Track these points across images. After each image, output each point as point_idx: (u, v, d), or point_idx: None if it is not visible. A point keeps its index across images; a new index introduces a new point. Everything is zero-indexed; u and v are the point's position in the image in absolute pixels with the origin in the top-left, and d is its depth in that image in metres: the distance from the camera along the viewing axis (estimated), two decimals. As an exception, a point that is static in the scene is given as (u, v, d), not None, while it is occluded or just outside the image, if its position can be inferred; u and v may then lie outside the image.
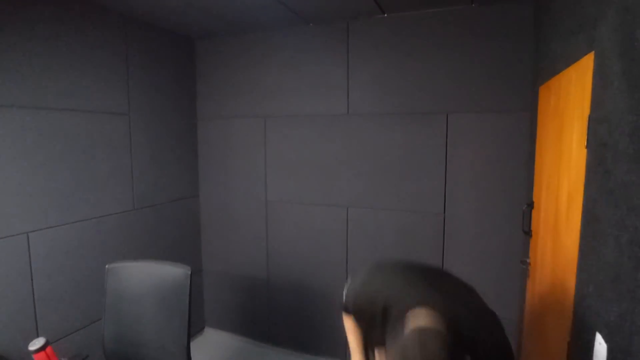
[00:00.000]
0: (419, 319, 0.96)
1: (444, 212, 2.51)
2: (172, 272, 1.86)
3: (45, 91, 2.06)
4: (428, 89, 2.50)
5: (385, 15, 2.55)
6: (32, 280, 2.03)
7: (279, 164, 2.97)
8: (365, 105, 2.67)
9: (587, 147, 1.21)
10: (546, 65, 1.91)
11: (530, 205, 2.10)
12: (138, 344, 1.87)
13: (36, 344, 1.66)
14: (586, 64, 1.27)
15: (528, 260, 2.10)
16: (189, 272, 1.83)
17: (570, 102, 1.46)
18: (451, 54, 2.42)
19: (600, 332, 1.05)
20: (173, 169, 2.99)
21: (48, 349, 1.68)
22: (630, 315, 0.89)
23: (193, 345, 3.16)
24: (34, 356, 1.66)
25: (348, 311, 1.32)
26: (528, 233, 2.13)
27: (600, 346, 1.03)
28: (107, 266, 1.95)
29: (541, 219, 1.86)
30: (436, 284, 1.20)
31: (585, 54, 1.28)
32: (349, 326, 1.36)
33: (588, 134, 1.21)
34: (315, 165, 2.85)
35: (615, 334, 0.96)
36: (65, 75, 2.16)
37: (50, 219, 2.11)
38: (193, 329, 3.24)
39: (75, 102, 2.22)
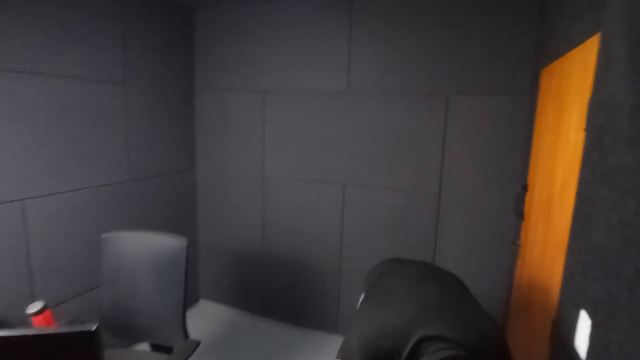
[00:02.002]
0: None
1: (440, 193, 2.54)
2: (169, 243, 1.88)
3: (39, 57, 2.02)
4: (430, 69, 2.48)
5: (390, -10, 2.49)
6: (28, 247, 2.05)
7: (277, 139, 2.96)
8: (366, 82, 2.64)
9: (585, 130, 1.22)
10: (550, 48, 1.89)
11: (525, 188, 2.12)
12: (134, 311, 1.91)
13: (35, 307, 1.69)
14: (590, 46, 1.27)
15: (519, 242, 2.14)
16: (186, 244, 1.85)
17: (571, 85, 1.46)
18: (455, 33, 2.38)
19: (585, 309, 1.09)
20: (169, 141, 2.97)
21: (46, 313, 1.70)
22: (615, 293, 0.92)
23: (188, 315, 3.22)
24: (32, 319, 1.69)
25: None
26: (521, 216, 2.16)
27: (584, 322, 1.07)
28: (103, 236, 1.97)
29: (534, 202, 1.89)
30: (451, 303, 1.16)
31: (591, 36, 1.27)
32: None
33: (587, 117, 1.21)
34: (314, 142, 2.84)
35: (599, 311, 1.00)
36: (60, 41, 2.11)
37: (46, 186, 2.11)
38: (188, 301, 3.30)
39: (70, 69, 2.18)
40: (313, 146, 2.85)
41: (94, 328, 1.01)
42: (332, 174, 2.82)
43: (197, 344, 1.78)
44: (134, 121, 2.62)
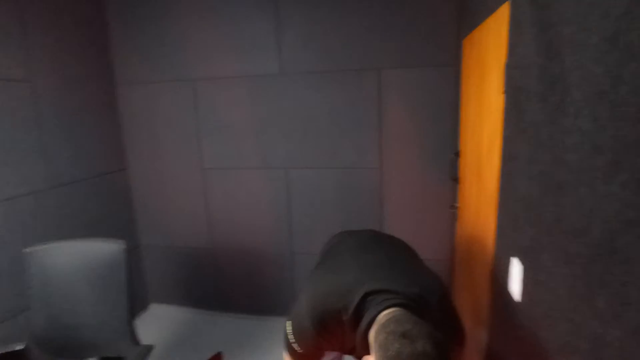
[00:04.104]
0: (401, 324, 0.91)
1: (381, 167, 2.62)
2: (105, 249, 1.74)
3: None
4: (359, 46, 2.50)
5: (314, -33, 2.46)
6: None
7: (213, 129, 2.84)
8: (298, 63, 2.61)
9: (504, 92, 1.31)
10: (469, 18, 2.00)
11: (457, 154, 2.26)
12: (75, 327, 1.76)
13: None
14: (502, 14, 1.35)
15: (457, 205, 2.29)
16: (124, 247, 1.73)
17: (489, 52, 1.55)
18: (380, 8, 2.42)
19: (516, 256, 1.19)
20: (92, 141, 2.72)
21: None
22: (538, 237, 1.01)
23: (139, 322, 3.05)
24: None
25: (306, 334, 1.11)
26: (456, 180, 2.30)
27: (516, 268, 1.18)
28: (25, 250, 1.77)
29: (467, 166, 2.01)
30: (395, 263, 1.22)
31: (502, 3, 1.35)
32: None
33: (505, 80, 1.30)
34: (251, 129, 2.77)
35: (528, 256, 1.10)
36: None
37: (-53, 204, 1.84)
38: (137, 307, 3.12)
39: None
40: (251, 132, 2.78)
41: (22, 347, 0.91)
42: (273, 158, 2.78)
43: (150, 348, 1.69)
44: (46, 123, 2.35)
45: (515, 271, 1.18)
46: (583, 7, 0.78)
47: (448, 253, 2.59)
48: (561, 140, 0.88)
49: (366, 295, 1.04)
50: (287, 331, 1.17)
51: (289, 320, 1.19)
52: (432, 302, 1.06)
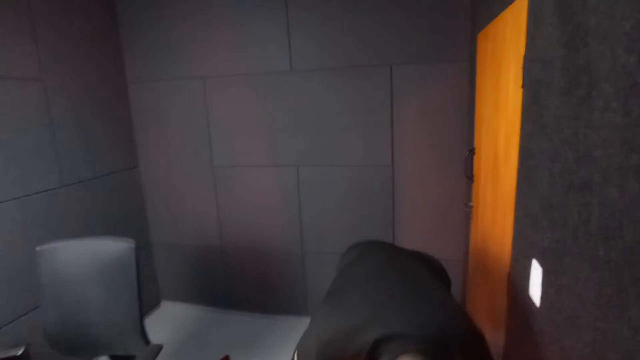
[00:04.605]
0: None
1: (392, 164, 2.56)
2: (115, 247, 1.73)
3: None
4: (371, 42, 2.45)
5: (324, -39, 2.41)
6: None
7: (224, 127, 2.83)
8: (309, 60, 2.57)
9: (522, 86, 1.25)
10: (483, 12, 1.93)
11: (472, 151, 2.19)
12: (86, 325, 1.77)
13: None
14: (521, 5, 1.29)
15: (471, 204, 2.22)
16: (133, 245, 1.72)
17: (506, 45, 1.49)
18: (392, 3, 2.36)
19: (536, 258, 1.13)
20: (104, 139, 2.73)
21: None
22: (561, 239, 0.96)
23: (150, 320, 3.08)
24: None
25: None
26: (470, 178, 2.24)
27: (536, 270, 1.12)
28: (37, 248, 1.78)
29: (482, 163, 1.95)
30: (419, 297, 1.09)
31: (520, -6, 1.29)
32: None
33: (523, 74, 1.24)
34: (261, 126, 2.75)
35: (549, 258, 1.04)
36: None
37: (-38, 202, 1.86)
38: (148, 304, 3.14)
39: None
40: (261, 130, 2.75)
41: (20, 352, 0.90)
42: (284, 156, 2.75)
43: (159, 348, 1.68)
44: (58, 121, 2.37)
45: (535, 274, 1.13)
46: (613, -8, 0.73)
47: (462, 253, 2.53)
48: (587, 135, 0.82)
49: (378, 341, 0.96)
50: None
51: (297, 350, 1.13)
52: (452, 347, 0.96)
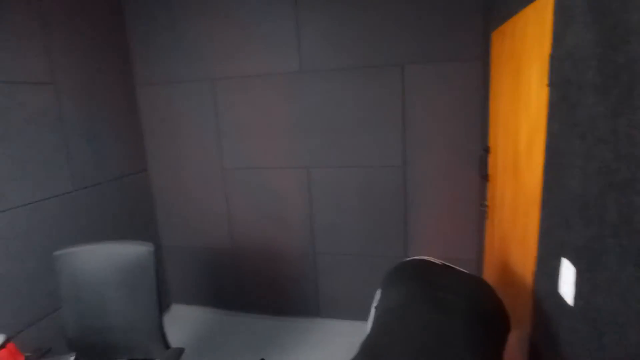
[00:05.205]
0: None
1: (405, 164, 2.56)
2: (134, 251, 1.73)
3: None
4: (382, 41, 2.45)
5: (335, -38, 2.41)
6: (-34, 277, 1.80)
7: (233, 128, 2.82)
8: (319, 60, 2.57)
9: (549, 85, 1.25)
10: (499, 10, 1.93)
11: (487, 150, 2.19)
12: (106, 328, 1.76)
13: (-6, 342, 1.50)
14: (546, 2, 1.28)
15: (486, 203, 2.22)
16: (153, 249, 1.72)
17: (527, 43, 1.48)
18: (404, 2, 2.36)
19: (567, 257, 1.13)
20: (114, 142, 2.72)
21: (9, 346, 1.52)
22: (599, 238, 0.95)
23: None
24: (-7, 356, 1.50)
25: None
26: (485, 177, 2.23)
27: (568, 270, 1.12)
28: (55, 253, 1.77)
29: (499, 162, 1.95)
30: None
31: (545, -8, 1.29)
32: None
33: (550, 73, 1.24)
34: (272, 127, 2.74)
35: (583, 257, 1.04)
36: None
37: (-23, 207, 1.85)
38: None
39: (-13, 71, 1.90)
40: (272, 131, 2.75)
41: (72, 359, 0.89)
42: (295, 157, 2.75)
43: (181, 351, 1.68)
44: (69, 125, 2.35)
45: (567, 273, 1.12)
46: (659, -10, 0.72)
47: (476, 253, 2.53)
48: (629, 134, 0.82)
49: None
50: None
51: None
52: None
